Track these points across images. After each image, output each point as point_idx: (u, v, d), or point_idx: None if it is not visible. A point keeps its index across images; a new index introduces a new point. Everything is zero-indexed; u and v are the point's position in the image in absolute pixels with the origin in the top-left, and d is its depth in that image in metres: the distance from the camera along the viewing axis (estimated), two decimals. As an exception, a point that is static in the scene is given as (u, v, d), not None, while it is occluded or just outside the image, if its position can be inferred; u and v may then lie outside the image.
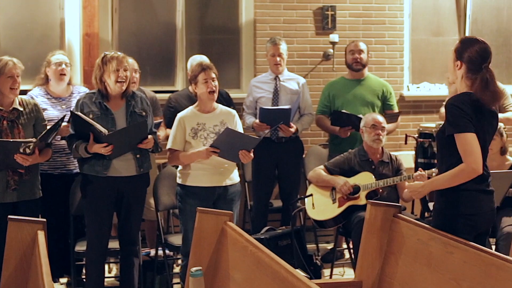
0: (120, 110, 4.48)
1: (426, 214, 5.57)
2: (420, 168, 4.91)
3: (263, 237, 5.02)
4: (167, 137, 4.93)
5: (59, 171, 5.04)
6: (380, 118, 5.22)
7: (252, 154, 4.57)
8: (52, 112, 4.96)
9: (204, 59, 5.62)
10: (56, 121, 4.48)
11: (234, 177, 4.72)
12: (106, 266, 5.17)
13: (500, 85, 5.70)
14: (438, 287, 3.20)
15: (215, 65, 4.83)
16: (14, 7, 6.09)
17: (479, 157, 3.32)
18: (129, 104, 4.51)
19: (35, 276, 3.07)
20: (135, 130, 4.43)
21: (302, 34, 6.65)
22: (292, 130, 5.56)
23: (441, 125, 5.50)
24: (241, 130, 4.77)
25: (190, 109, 4.72)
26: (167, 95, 5.88)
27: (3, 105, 4.45)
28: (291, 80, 5.84)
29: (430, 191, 3.82)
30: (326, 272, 5.42)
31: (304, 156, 6.09)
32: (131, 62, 4.96)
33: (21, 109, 4.50)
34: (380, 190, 5.01)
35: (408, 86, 6.99)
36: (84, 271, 5.03)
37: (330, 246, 6.26)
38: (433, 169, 4.78)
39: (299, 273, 2.71)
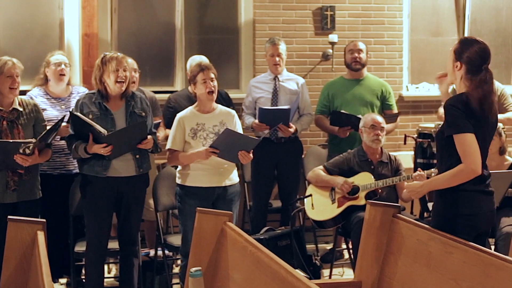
0: (119, 110, 4.48)
1: (425, 214, 5.57)
2: (419, 168, 4.93)
3: (262, 237, 5.03)
4: (166, 137, 4.93)
5: (59, 172, 5.04)
6: (379, 119, 5.22)
7: (251, 155, 4.57)
8: (51, 112, 4.96)
9: (203, 59, 5.62)
10: (56, 121, 4.48)
11: (234, 178, 4.72)
12: (106, 267, 5.17)
13: (500, 85, 5.73)
14: (437, 287, 3.20)
15: (214, 65, 4.83)
16: (14, 7, 6.09)
17: (478, 158, 3.33)
18: (129, 104, 4.51)
19: (35, 277, 3.07)
20: (135, 130, 4.44)
21: (301, 34, 6.65)
22: (292, 130, 5.56)
23: (440, 126, 5.55)
24: (241, 130, 4.77)
25: (189, 109, 4.72)
26: (166, 95, 5.89)
27: (2, 105, 4.45)
28: (290, 80, 5.84)
29: (428, 191, 3.82)
30: (326, 272, 5.43)
31: (303, 156, 6.10)
32: (131, 62, 4.96)
33: (21, 109, 4.50)
34: (379, 190, 5.01)
35: (407, 86, 7.00)
36: (83, 271, 5.03)
37: (329, 246, 6.27)
38: (432, 169, 4.79)
39: (299, 273, 2.71)
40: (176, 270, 5.47)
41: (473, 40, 3.49)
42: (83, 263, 4.92)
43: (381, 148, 5.22)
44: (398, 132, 6.45)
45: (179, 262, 5.34)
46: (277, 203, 6.01)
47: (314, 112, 5.98)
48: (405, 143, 6.04)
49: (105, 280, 4.87)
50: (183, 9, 6.51)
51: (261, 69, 6.37)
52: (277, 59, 5.76)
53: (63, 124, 4.56)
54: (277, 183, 5.90)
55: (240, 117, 5.04)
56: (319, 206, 5.12)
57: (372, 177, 5.05)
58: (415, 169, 5.38)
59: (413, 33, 7.05)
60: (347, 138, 5.74)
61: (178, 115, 4.70)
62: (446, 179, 3.42)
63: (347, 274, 5.48)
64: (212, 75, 4.62)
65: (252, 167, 5.76)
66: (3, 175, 4.39)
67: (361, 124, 5.26)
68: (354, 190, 5.05)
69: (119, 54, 4.49)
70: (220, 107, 4.77)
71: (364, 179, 5.06)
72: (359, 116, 5.51)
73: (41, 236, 3.20)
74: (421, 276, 3.33)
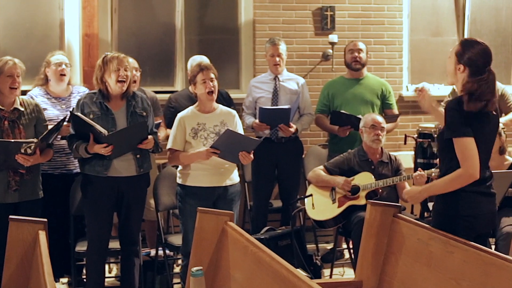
0: (120, 110, 4.49)
1: (425, 214, 5.58)
2: (419, 168, 4.94)
3: (263, 237, 5.04)
4: (167, 137, 4.94)
5: (59, 171, 5.04)
6: (380, 119, 5.23)
7: (252, 155, 4.58)
8: (52, 112, 4.96)
9: (204, 59, 5.63)
10: (57, 121, 4.49)
11: (234, 177, 4.73)
12: (106, 266, 5.17)
13: (500, 85, 5.74)
14: (438, 287, 3.21)
15: (215, 66, 4.83)
16: (14, 7, 6.10)
17: (476, 162, 3.33)
18: (130, 104, 4.51)
19: (36, 276, 3.08)
20: (135, 130, 4.44)
21: (301, 35, 6.66)
22: (292, 130, 5.57)
23: (440, 126, 5.55)
24: (241, 130, 4.78)
25: (190, 109, 4.73)
26: (166, 96, 5.89)
27: (4, 105, 4.45)
28: (291, 80, 5.85)
29: (427, 196, 3.82)
30: (326, 272, 5.43)
31: (303, 156, 6.10)
32: (132, 61, 4.97)
33: (22, 109, 4.50)
34: (380, 190, 5.02)
35: (407, 86, 7.00)
36: (84, 271, 5.04)
37: (330, 246, 6.27)
38: (433, 169, 4.80)
39: (300, 272, 2.71)
40: (177, 269, 5.48)
41: (474, 41, 3.48)
42: (84, 262, 4.93)
43: (382, 148, 5.23)
44: (398, 132, 6.46)
45: (180, 261, 5.35)
46: (277, 203, 6.01)
47: (314, 112, 5.98)
48: (405, 143, 6.04)
49: (106, 279, 4.88)
50: (183, 10, 6.52)
51: (261, 69, 6.37)
52: (277, 59, 5.76)
53: (64, 123, 4.56)
54: (278, 183, 5.91)
55: (240, 117, 5.04)
56: (320, 206, 5.13)
57: (373, 177, 5.06)
58: (415, 169, 5.38)
59: (413, 33, 7.06)
60: (347, 138, 5.74)
61: (179, 115, 4.71)
62: (444, 184, 3.44)
63: (348, 274, 5.48)
64: (212, 75, 4.63)
65: (253, 167, 5.76)
66: (5, 175, 4.39)
67: (361, 124, 5.26)
68: (355, 190, 5.06)
69: (120, 54, 4.50)
70: (220, 107, 4.78)
71: (364, 179, 5.06)
72: (359, 116, 5.52)
73: (42, 236, 3.20)
74: (422, 275, 3.34)
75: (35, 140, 4.33)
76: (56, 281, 5.15)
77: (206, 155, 4.51)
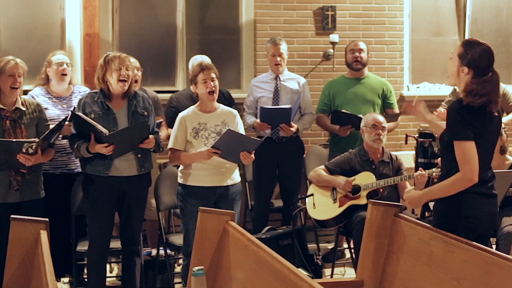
0: (121, 109, 4.49)
1: (426, 214, 5.58)
2: (420, 168, 4.94)
3: (264, 236, 5.03)
4: (168, 137, 4.94)
5: (61, 171, 5.04)
6: (381, 118, 5.23)
7: (253, 156, 4.58)
8: (53, 112, 4.96)
9: (205, 59, 5.63)
10: (59, 121, 4.50)
11: (235, 177, 4.73)
12: (108, 266, 5.17)
13: (502, 85, 5.73)
14: (439, 286, 3.21)
15: (215, 65, 4.84)
16: (15, 7, 6.10)
17: (476, 167, 3.32)
18: (131, 103, 4.52)
19: (38, 276, 3.08)
20: (136, 130, 4.45)
21: (302, 34, 6.66)
22: (293, 129, 5.57)
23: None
24: (242, 130, 4.78)
25: (191, 109, 4.73)
26: (167, 95, 5.90)
27: (5, 105, 4.46)
28: (292, 80, 5.85)
29: (427, 201, 3.82)
30: (327, 271, 5.43)
31: (304, 156, 6.10)
32: (133, 61, 4.97)
33: (24, 109, 4.50)
34: (381, 190, 5.02)
35: (408, 86, 7.01)
36: (85, 270, 5.04)
37: (330, 245, 6.27)
38: (434, 169, 4.80)
39: (302, 272, 2.71)
40: (178, 269, 5.48)
41: (476, 42, 3.46)
42: (85, 262, 4.93)
43: (382, 147, 5.23)
44: (399, 131, 6.46)
45: (181, 261, 5.36)
46: (278, 203, 6.01)
47: (315, 111, 5.98)
48: (406, 143, 6.04)
49: (107, 279, 4.88)
50: (184, 9, 6.52)
51: (262, 69, 6.38)
52: (278, 59, 5.76)
53: (65, 123, 4.57)
54: (279, 182, 5.91)
55: (241, 116, 5.04)
56: (321, 205, 5.13)
57: (374, 176, 5.06)
58: (416, 169, 5.38)
59: (414, 33, 7.06)
60: (348, 138, 5.74)
61: (180, 115, 4.71)
62: (443, 188, 3.44)
63: (349, 274, 5.49)
64: (213, 75, 4.63)
65: (254, 166, 5.76)
66: (6, 175, 4.40)
67: (362, 124, 5.27)
68: (356, 189, 5.06)
69: (122, 53, 4.50)
70: (222, 106, 4.78)
71: (365, 179, 5.06)
72: (360, 115, 5.52)
73: (44, 235, 3.21)
74: (423, 275, 3.34)
75: (36, 139, 4.34)
76: (57, 281, 5.15)
77: (207, 155, 4.51)
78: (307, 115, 5.84)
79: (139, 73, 5.37)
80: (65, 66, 5.10)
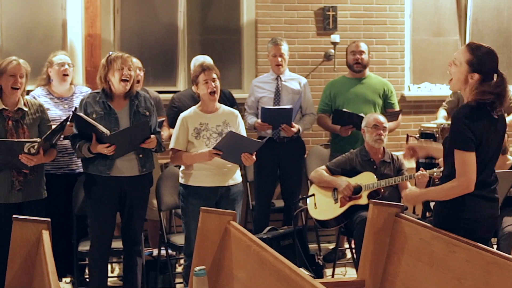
0: (123, 109, 4.50)
1: (427, 214, 5.58)
2: (421, 168, 4.94)
3: (265, 236, 5.05)
4: (170, 137, 4.94)
5: (62, 171, 5.05)
6: (382, 118, 5.24)
7: (254, 157, 4.59)
8: (54, 112, 4.97)
9: (207, 59, 5.63)
10: (60, 121, 4.50)
11: (237, 177, 4.74)
12: (109, 266, 5.18)
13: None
14: (440, 286, 3.21)
15: (217, 66, 4.85)
16: (16, 7, 6.11)
17: (473, 178, 3.32)
18: (133, 103, 4.52)
19: (40, 275, 3.09)
20: (137, 130, 4.45)
21: (303, 35, 6.67)
22: (294, 130, 5.58)
23: (442, 125, 5.56)
24: (244, 131, 4.79)
25: (193, 109, 4.74)
26: (168, 95, 5.90)
27: (7, 105, 4.46)
28: (293, 80, 5.86)
29: (424, 200, 3.83)
30: (328, 272, 5.44)
31: (305, 156, 6.11)
32: (135, 61, 4.97)
33: (26, 109, 4.51)
34: (382, 190, 5.03)
35: (409, 86, 7.01)
36: (87, 270, 5.05)
37: (331, 246, 6.28)
38: (435, 169, 4.80)
39: (303, 272, 2.72)
40: (179, 269, 5.50)
41: (482, 46, 3.43)
42: (87, 262, 4.94)
43: (384, 147, 5.24)
44: (400, 132, 6.47)
45: (182, 261, 5.36)
46: (279, 203, 6.02)
47: (316, 111, 5.99)
48: (407, 143, 6.04)
49: (109, 279, 4.88)
50: (185, 10, 6.53)
51: (263, 69, 6.39)
52: (279, 59, 5.77)
53: (67, 123, 4.57)
54: (280, 182, 5.91)
55: (242, 117, 5.05)
56: (322, 205, 5.14)
57: (375, 176, 5.06)
58: (417, 169, 5.37)
59: (415, 33, 7.07)
60: (349, 138, 5.75)
61: (182, 115, 4.71)
62: (439, 192, 3.48)
63: (350, 274, 5.49)
64: (214, 76, 4.63)
65: (255, 167, 5.76)
66: (8, 175, 4.40)
67: (363, 124, 5.27)
68: (357, 189, 5.06)
69: (124, 53, 4.51)
70: (223, 107, 4.79)
71: (366, 179, 5.07)
72: (361, 114, 5.53)
73: (46, 235, 3.21)
74: (424, 275, 3.34)
75: (38, 139, 4.34)
76: (59, 281, 5.16)
77: (208, 156, 4.52)
78: (308, 115, 5.85)
79: (141, 73, 5.38)
80: (66, 66, 5.10)
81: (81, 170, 4.84)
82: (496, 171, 3.65)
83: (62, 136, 4.79)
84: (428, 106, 6.94)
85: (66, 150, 4.96)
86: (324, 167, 5.28)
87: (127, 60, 4.45)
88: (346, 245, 5.89)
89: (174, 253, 5.38)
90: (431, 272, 3.29)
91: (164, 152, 4.88)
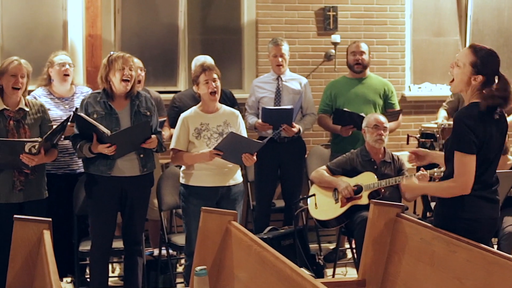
0: (124, 110, 4.50)
1: (428, 214, 5.58)
2: (422, 168, 4.93)
3: (266, 236, 5.05)
4: (171, 137, 4.95)
5: (63, 171, 5.05)
6: (382, 118, 5.24)
7: (255, 157, 4.59)
8: (55, 112, 4.97)
9: (208, 59, 5.64)
10: (61, 121, 4.50)
11: (237, 177, 4.74)
12: (110, 266, 5.18)
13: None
14: (441, 286, 3.21)
15: (217, 66, 4.85)
16: (17, 7, 6.11)
17: (470, 180, 3.33)
18: (134, 104, 4.53)
19: (41, 275, 3.09)
20: (138, 130, 4.45)
21: (304, 35, 6.68)
22: (295, 130, 5.58)
23: (442, 125, 5.56)
24: (244, 131, 4.79)
25: (193, 109, 4.74)
26: (169, 96, 5.91)
27: (8, 105, 4.46)
28: (293, 80, 5.86)
29: (420, 194, 3.84)
30: (329, 272, 5.44)
31: (306, 156, 6.11)
32: (137, 61, 4.98)
33: (27, 109, 4.51)
34: (383, 190, 5.03)
35: (409, 87, 7.02)
36: (87, 270, 5.05)
37: (332, 246, 6.28)
38: (435, 169, 4.79)
39: (304, 271, 2.72)
40: (180, 269, 5.50)
41: (485, 48, 3.42)
42: (87, 262, 4.94)
43: (384, 148, 5.24)
44: (400, 132, 6.47)
45: (182, 261, 5.37)
46: (280, 203, 6.02)
47: (317, 112, 5.99)
48: (407, 143, 6.05)
49: (109, 279, 4.88)
50: (186, 10, 6.54)
51: (264, 69, 6.39)
52: (280, 59, 5.77)
53: (68, 123, 4.57)
54: (280, 182, 5.91)
55: (243, 117, 5.05)
56: (323, 205, 5.14)
57: (375, 176, 5.06)
58: (418, 169, 5.38)
59: (415, 33, 7.07)
60: (350, 138, 5.75)
61: (182, 115, 4.72)
62: (438, 189, 3.54)
63: (350, 274, 5.50)
64: (215, 76, 4.64)
65: (256, 167, 5.76)
66: (10, 175, 4.40)
67: (364, 124, 5.27)
68: (357, 189, 5.06)
69: (125, 53, 4.52)
70: (224, 107, 4.79)
71: (367, 179, 5.07)
72: (362, 114, 5.53)
73: (47, 235, 3.21)
74: (425, 275, 3.34)
75: (39, 139, 4.34)
76: (60, 280, 5.16)
77: (209, 156, 4.52)
78: (308, 116, 5.85)
79: (143, 74, 5.38)
80: (67, 66, 5.10)
81: (82, 170, 4.84)
82: (497, 171, 3.65)
83: (63, 137, 4.80)
84: (428, 106, 6.94)
85: (67, 150, 4.96)
86: (324, 167, 5.28)
87: (128, 60, 4.45)
88: (347, 245, 5.89)
89: (174, 253, 5.39)
90: (431, 272, 3.29)
91: (165, 152, 4.88)
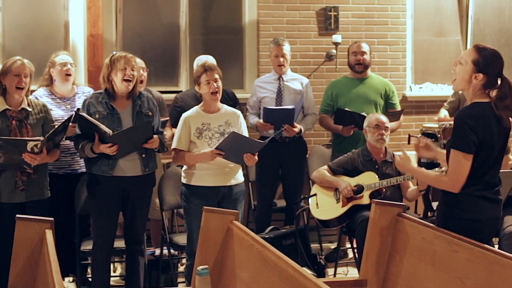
0: (126, 110, 4.51)
1: (429, 213, 5.58)
2: (423, 168, 4.94)
3: (267, 236, 5.06)
4: (173, 137, 4.95)
5: (64, 171, 5.05)
6: (383, 118, 5.25)
7: (256, 157, 4.59)
8: (57, 112, 4.97)
9: (210, 59, 5.64)
10: (62, 121, 4.50)
11: (239, 177, 4.75)
12: (111, 266, 5.18)
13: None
14: (442, 286, 3.22)
15: (219, 66, 4.85)
16: (19, 8, 6.12)
17: (463, 179, 3.34)
18: (136, 104, 4.53)
19: (43, 275, 3.10)
20: (140, 130, 4.46)
21: (305, 35, 6.68)
22: (296, 130, 5.58)
23: (444, 125, 5.56)
24: (246, 131, 4.80)
25: (195, 109, 4.74)
26: (170, 96, 5.91)
27: (11, 105, 4.47)
28: (295, 80, 5.86)
29: (412, 175, 4.14)
30: (330, 271, 5.45)
31: (307, 156, 6.11)
32: (139, 61, 4.98)
33: (30, 109, 4.52)
34: (384, 190, 5.03)
35: (410, 87, 7.02)
36: (89, 270, 5.06)
37: (333, 245, 6.29)
38: (436, 169, 4.79)
39: (306, 271, 2.72)
40: (181, 269, 5.50)
41: (488, 48, 3.41)
42: (89, 262, 4.95)
43: (385, 147, 5.24)
44: (401, 131, 6.47)
45: (184, 261, 5.37)
46: (281, 203, 6.02)
47: (318, 112, 6.00)
48: (409, 143, 6.04)
49: (111, 279, 4.89)
50: (187, 10, 6.54)
51: (265, 69, 6.39)
52: (281, 59, 5.78)
53: (70, 124, 4.57)
54: (282, 182, 5.92)
55: (244, 117, 5.06)
56: (324, 205, 5.14)
57: (377, 176, 5.07)
58: (419, 162, 5.38)
59: (416, 33, 7.07)
60: (351, 138, 5.75)
61: (184, 115, 4.72)
62: (428, 178, 3.63)
63: (351, 273, 5.50)
64: (216, 76, 4.64)
65: (257, 166, 5.76)
66: (12, 175, 4.41)
67: (365, 124, 5.28)
68: (359, 189, 5.07)
69: (128, 53, 4.52)
70: (225, 107, 4.80)
71: (368, 179, 5.07)
72: (363, 114, 5.54)
73: (49, 235, 3.22)
74: (426, 274, 3.35)
75: (41, 138, 4.35)
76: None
77: (211, 156, 4.53)
78: (310, 116, 5.86)
79: (145, 74, 5.39)
80: (69, 66, 5.11)
81: (83, 170, 4.86)
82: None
83: (64, 137, 4.80)
84: (429, 106, 6.95)
85: (68, 150, 4.97)
86: (326, 167, 5.28)
87: (130, 60, 4.46)
88: (348, 245, 5.90)
89: (176, 252, 5.39)
90: (433, 272, 3.30)
91: (167, 152, 4.88)
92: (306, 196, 5.35)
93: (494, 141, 3.38)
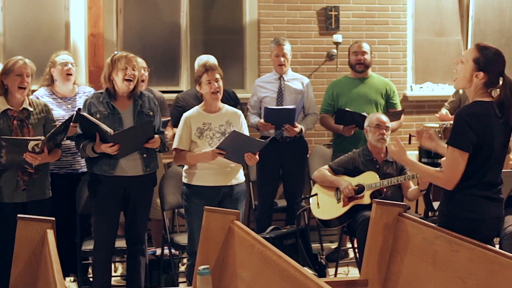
0: (127, 109, 4.51)
1: (430, 213, 5.58)
2: (417, 162, 4.94)
3: (268, 236, 5.06)
4: (174, 136, 4.95)
5: (65, 171, 5.06)
6: (384, 118, 5.25)
7: (257, 157, 4.60)
8: (58, 112, 4.97)
9: (211, 59, 5.64)
10: (63, 121, 4.51)
11: (240, 177, 4.75)
12: (112, 265, 5.18)
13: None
14: (443, 285, 3.22)
15: (219, 65, 4.86)
16: (20, 7, 6.12)
17: (457, 177, 3.34)
18: (137, 103, 4.53)
19: (44, 274, 3.10)
20: (141, 129, 4.46)
21: (305, 35, 6.68)
22: (297, 130, 5.58)
23: (444, 125, 5.56)
24: (246, 130, 4.80)
25: (196, 109, 4.75)
26: (171, 95, 5.91)
27: (13, 105, 4.47)
28: (295, 80, 5.87)
29: (407, 165, 4.11)
30: (331, 271, 5.45)
31: (308, 156, 6.11)
32: (140, 61, 4.98)
33: (31, 109, 4.52)
34: (385, 190, 5.03)
35: (411, 86, 7.02)
36: (90, 270, 5.06)
37: (334, 245, 6.29)
38: (437, 169, 4.79)
39: (307, 270, 2.72)
40: (182, 268, 5.50)
41: (490, 47, 3.41)
42: (90, 261, 4.95)
43: (386, 147, 5.24)
44: (402, 131, 6.47)
45: (185, 260, 5.37)
46: (282, 202, 6.02)
47: (319, 111, 6.00)
48: (409, 143, 6.05)
49: (112, 278, 4.88)
50: (188, 10, 6.54)
51: (266, 69, 6.39)
52: (282, 59, 5.78)
53: (71, 124, 4.58)
54: (282, 182, 5.92)
55: (245, 116, 5.06)
56: (325, 205, 5.14)
57: (377, 176, 5.07)
58: (420, 154, 5.39)
59: (417, 33, 7.07)
60: (352, 138, 5.76)
61: (185, 115, 4.72)
62: (423, 171, 3.60)
63: (352, 273, 5.50)
64: (217, 76, 4.65)
65: (258, 166, 5.77)
66: (13, 175, 4.41)
67: (366, 124, 5.28)
68: (360, 189, 5.07)
69: (129, 53, 4.53)
70: (226, 107, 4.80)
71: (369, 179, 5.08)
72: (364, 114, 5.54)
73: (50, 234, 3.23)
74: (427, 274, 3.35)
75: (42, 137, 4.35)
76: (62, 280, 5.17)
77: (212, 156, 4.53)
78: (310, 115, 5.86)
79: (146, 73, 5.39)
80: (69, 66, 5.11)
81: (84, 169, 4.86)
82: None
83: (65, 137, 4.81)
84: (430, 106, 6.95)
85: (69, 150, 4.97)
86: (326, 166, 5.28)
87: (131, 60, 4.46)
88: (349, 245, 5.90)
89: (177, 252, 5.39)
90: (434, 272, 3.30)
91: (168, 152, 4.89)
92: (307, 196, 5.35)
93: (495, 140, 3.38)
